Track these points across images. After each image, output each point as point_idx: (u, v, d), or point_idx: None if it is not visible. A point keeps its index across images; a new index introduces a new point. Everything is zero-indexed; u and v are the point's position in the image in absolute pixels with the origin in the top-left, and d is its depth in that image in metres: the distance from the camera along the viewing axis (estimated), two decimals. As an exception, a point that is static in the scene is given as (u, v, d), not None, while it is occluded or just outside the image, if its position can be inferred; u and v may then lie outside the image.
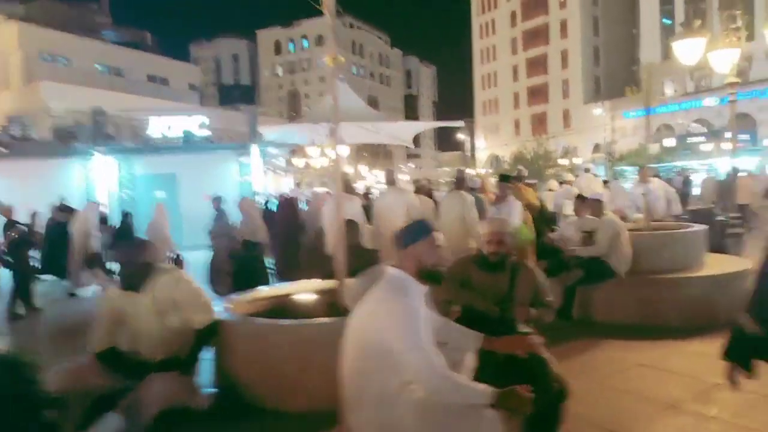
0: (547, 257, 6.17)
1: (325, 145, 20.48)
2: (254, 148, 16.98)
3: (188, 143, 16.18)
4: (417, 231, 2.27)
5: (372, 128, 26.80)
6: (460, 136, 75.76)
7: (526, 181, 10.69)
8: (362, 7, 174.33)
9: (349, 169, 48.85)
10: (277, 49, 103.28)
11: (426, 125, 28.49)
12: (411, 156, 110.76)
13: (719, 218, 7.35)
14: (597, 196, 5.79)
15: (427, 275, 2.24)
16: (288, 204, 9.85)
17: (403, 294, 2.11)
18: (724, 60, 7.46)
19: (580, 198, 6.00)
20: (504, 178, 6.42)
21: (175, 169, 16.59)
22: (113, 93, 32.49)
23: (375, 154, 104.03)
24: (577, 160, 42.87)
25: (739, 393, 2.35)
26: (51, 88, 30.40)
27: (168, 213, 9.96)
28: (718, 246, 7.18)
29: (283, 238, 8.93)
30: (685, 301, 5.41)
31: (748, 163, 31.45)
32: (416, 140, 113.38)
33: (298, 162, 26.10)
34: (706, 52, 7.74)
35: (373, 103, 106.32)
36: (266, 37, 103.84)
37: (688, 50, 7.27)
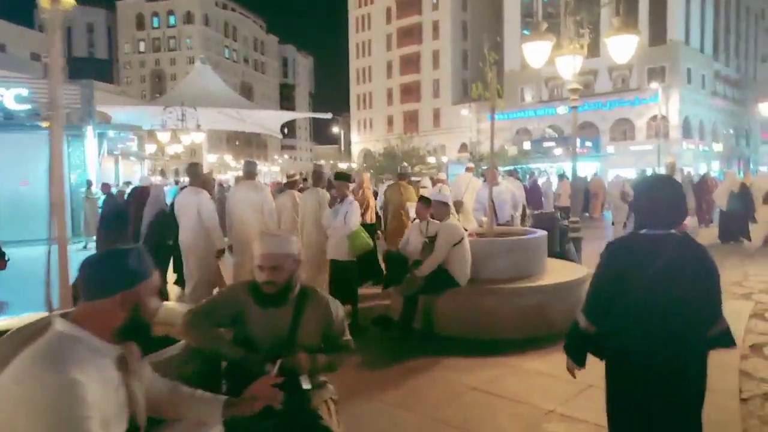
0: (392, 264, 5.63)
1: (179, 130, 18.67)
2: (89, 130, 14.78)
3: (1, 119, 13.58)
4: (124, 273, 1.45)
5: (237, 115, 24.97)
6: (335, 129, 75.46)
7: (412, 178, 10.36)
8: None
9: (211, 158, 46.05)
10: (140, 23, 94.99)
11: (292, 115, 27.44)
12: (286, 147, 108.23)
13: (562, 222, 7.42)
14: (442, 198, 5.33)
15: (130, 330, 1.44)
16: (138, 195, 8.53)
17: (59, 367, 1.28)
18: (568, 65, 7.49)
19: (423, 200, 5.53)
20: (341, 177, 5.75)
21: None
22: None
23: (248, 143, 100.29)
24: (444, 159, 44.39)
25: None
26: None
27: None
28: (559, 252, 7.20)
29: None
30: (522, 312, 5.15)
31: (590, 167, 34.57)
32: (291, 131, 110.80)
33: (150, 147, 23.68)
34: (554, 57, 7.76)
35: (247, 90, 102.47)
36: (127, 8, 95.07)
37: (535, 52, 7.18)
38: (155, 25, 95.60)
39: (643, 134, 41.85)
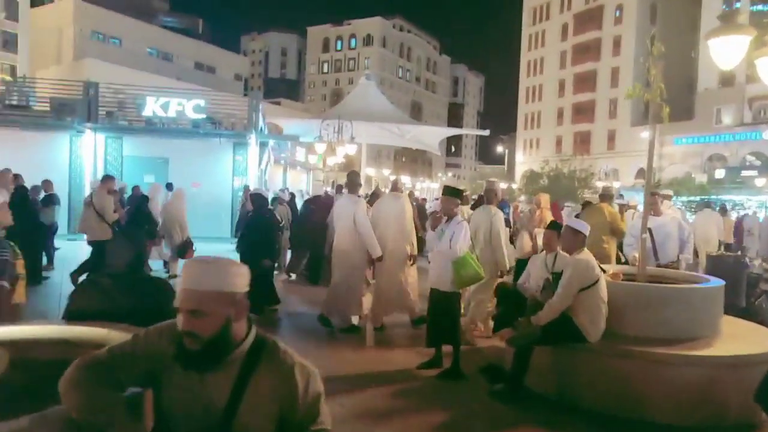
0: (505, 303, 4.65)
1: (335, 142, 19.26)
2: (252, 138, 15.80)
3: (181, 126, 15.13)
4: None
5: (397, 131, 25.27)
6: (500, 149, 73.69)
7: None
8: (414, 10, 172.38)
9: (369, 171, 47.56)
10: (326, 46, 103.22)
11: (449, 131, 26.93)
12: (450, 166, 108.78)
13: (752, 270, 5.63)
14: (575, 225, 4.20)
15: None
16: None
17: None
18: (775, 68, 5.73)
19: (552, 227, 4.45)
20: (450, 192, 4.84)
21: (169, 153, 15.62)
22: (155, 76, 32.38)
23: (413, 159, 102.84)
24: (617, 184, 40.31)
25: None
26: (95, 66, 30.36)
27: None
28: (745, 308, 5.47)
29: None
30: (677, 388, 3.80)
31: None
32: (457, 150, 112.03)
33: (312, 158, 24.95)
34: (754, 58, 6.05)
35: (416, 108, 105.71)
36: (316, 33, 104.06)
37: (725, 50, 5.59)
38: (338, 48, 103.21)
39: None
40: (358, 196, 6.47)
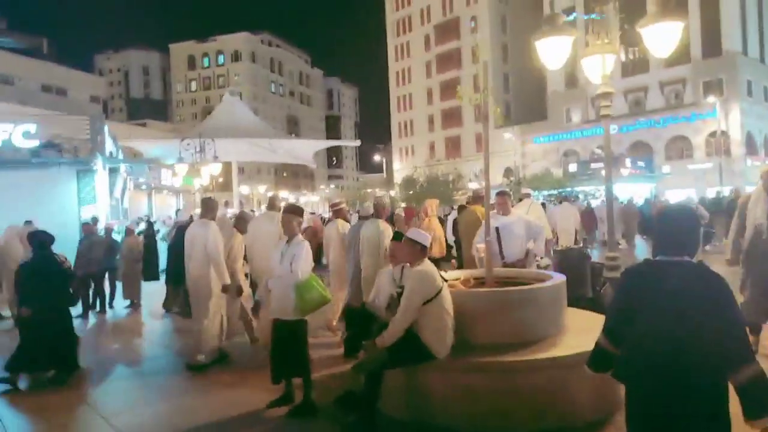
0: (353, 325, 4.31)
1: (198, 163, 18.09)
2: (98, 164, 14.25)
3: (6, 156, 13.19)
4: None
5: (269, 146, 24.42)
6: (377, 158, 75.09)
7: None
8: (280, 25, 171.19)
9: (244, 190, 46.04)
10: (191, 63, 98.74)
11: (321, 144, 26.68)
12: (333, 177, 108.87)
13: (593, 261, 5.84)
14: (416, 236, 3.95)
15: None
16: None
17: None
18: (597, 66, 6.05)
19: (396, 237, 4.21)
20: (290, 210, 4.43)
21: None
22: None
23: (295, 174, 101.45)
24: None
25: None
26: None
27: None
28: (591, 298, 5.64)
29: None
30: (532, 394, 3.68)
31: (644, 189, 32.09)
32: (339, 161, 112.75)
33: (176, 181, 23.31)
34: (582, 58, 6.37)
35: (293, 122, 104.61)
36: (180, 50, 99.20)
37: (551, 51, 5.79)
38: (206, 64, 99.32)
39: (702, 152, 38.80)
40: (211, 220, 5.88)
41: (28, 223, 10.70)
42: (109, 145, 15.59)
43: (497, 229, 5.39)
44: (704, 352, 2.03)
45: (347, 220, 7.21)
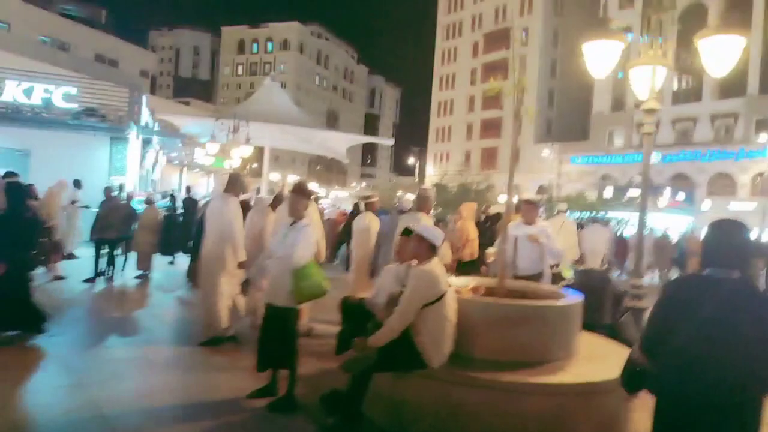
0: (348, 320, 4.05)
1: (230, 143, 18.13)
2: (132, 134, 14.37)
3: (47, 115, 13.41)
4: None
5: (304, 135, 24.36)
6: (411, 160, 74.76)
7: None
8: (332, 17, 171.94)
9: (274, 176, 46.16)
10: (241, 48, 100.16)
11: (355, 138, 26.53)
12: (365, 176, 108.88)
13: (615, 285, 5.45)
14: (424, 232, 3.66)
15: None
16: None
17: None
18: (646, 79, 5.65)
19: (405, 233, 3.93)
20: (300, 190, 4.18)
21: (30, 145, 13.81)
22: (48, 66, 29.05)
23: (329, 168, 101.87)
24: (516, 199, 41.77)
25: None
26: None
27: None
28: (609, 325, 5.25)
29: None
30: (529, 419, 3.35)
31: (680, 222, 30.95)
32: (373, 161, 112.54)
33: (208, 159, 23.45)
34: (629, 69, 5.99)
35: (333, 116, 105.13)
36: (231, 34, 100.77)
37: (598, 55, 5.42)
38: (254, 50, 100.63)
39: (747, 191, 37.23)
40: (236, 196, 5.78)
41: (76, 183, 10.86)
42: (144, 116, 15.72)
43: (516, 238, 5.05)
44: (745, 372, 1.98)
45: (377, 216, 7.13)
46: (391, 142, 21.47)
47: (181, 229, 10.90)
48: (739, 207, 36.14)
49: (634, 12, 40.67)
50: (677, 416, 2.11)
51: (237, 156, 18.02)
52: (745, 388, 1.99)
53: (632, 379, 2.31)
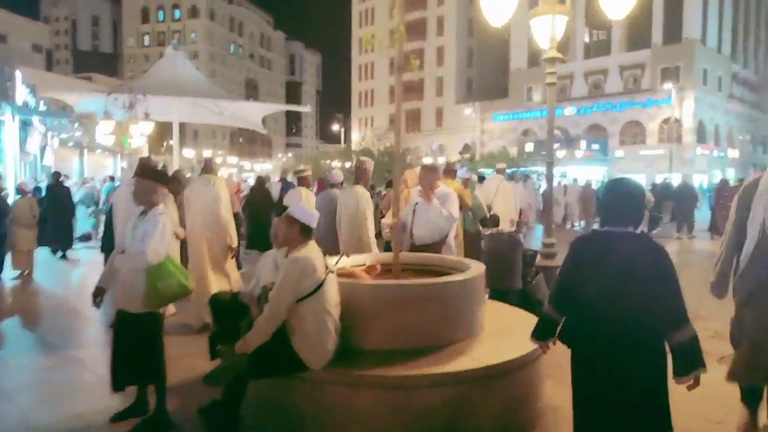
0: (224, 316, 3.47)
1: (128, 120, 16.60)
2: (6, 115, 12.74)
3: None
4: None
5: (215, 107, 22.79)
6: (336, 127, 73.53)
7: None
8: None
9: (188, 153, 43.91)
10: (145, 16, 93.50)
11: (270, 107, 25.18)
12: (291, 146, 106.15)
13: (527, 248, 5.16)
14: (297, 213, 3.12)
15: None
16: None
17: None
18: (545, 28, 5.30)
19: (281, 209, 3.38)
20: (147, 173, 3.51)
21: None
22: None
23: (252, 140, 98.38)
24: (441, 159, 42.07)
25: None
26: None
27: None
28: (522, 289, 4.98)
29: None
30: (426, 414, 2.96)
31: (598, 172, 32.25)
32: (298, 130, 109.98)
33: (107, 139, 21.59)
34: (530, 17, 5.63)
35: (252, 86, 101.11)
36: (132, 1, 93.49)
37: (495, 2, 4.98)
38: (160, 18, 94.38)
39: (655, 138, 39.24)
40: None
41: None
42: (22, 94, 13.99)
43: (415, 206, 4.62)
44: (645, 316, 2.20)
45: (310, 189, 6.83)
46: (307, 108, 20.54)
47: (47, 222, 9.66)
48: (649, 153, 38.11)
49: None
50: (591, 364, 2.29)
51: (137, 133, 16.54)
52: (648, 329, 2.19)
53: (544, 330, 2.52)
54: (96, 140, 26.32)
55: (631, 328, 2.19)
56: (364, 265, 4.05)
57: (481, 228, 7.25)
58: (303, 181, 6.69)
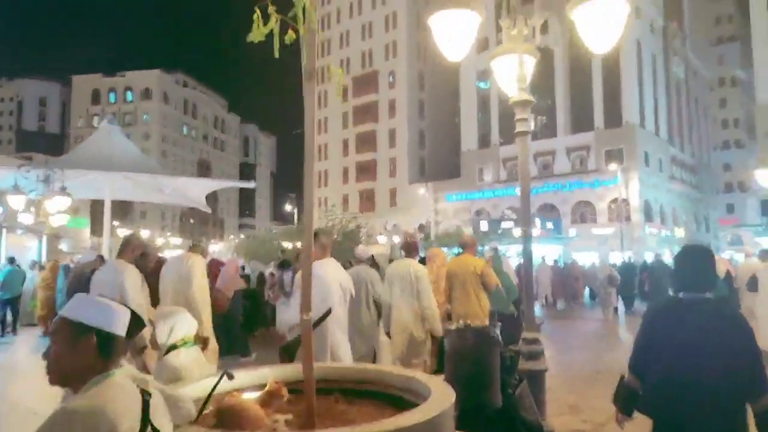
0: None
1: (43, 197, 14.85)
2: None
3: None
4: None
5: (153, 185, 21.00)
6: (289, 207, 72.44)
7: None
8: (197, 66, 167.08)
9: (122, 232, 41.46)
10: (96, 97, 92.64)
11: (215, 184, 23.89)
12: (244, 227, 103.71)
13: (505, 349, 3.78)
14: (71, 315, 1.72)
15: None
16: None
17: None
18: (512, 70, 4.31)
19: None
20: None
21: None
22: None
23: (204, 221, 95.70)
24: (396, 238, 41.16)
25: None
26: None
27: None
28: (502, 407, 3.57)
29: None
30: None
31: (553, 251, 31.82)
32: (251, 211, 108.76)
33: (27, 217, 19.49)
34: (492, 58, 4.66)
35: (204, 167, 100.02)
36: (84, 83, 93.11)
37: (451, 31, 3.94)
38: (112, 100, 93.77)
39: (605, 217, 39.82)
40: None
41: None
42: None
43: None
44: (727, 383, 2.17)
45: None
46: (251, 185, 19.24)
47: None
48: (601, 231, 38.40)
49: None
50: (674, 430, 2.30)
51: (54, 209, 14.71)
52: (729, 396, 2.18)
53: (626, 401, 2.50)
54: (18, 219, 24.03)
55: (712, 394, 2.19)
56: (266, 386, 2.57)
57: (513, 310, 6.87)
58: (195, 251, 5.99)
